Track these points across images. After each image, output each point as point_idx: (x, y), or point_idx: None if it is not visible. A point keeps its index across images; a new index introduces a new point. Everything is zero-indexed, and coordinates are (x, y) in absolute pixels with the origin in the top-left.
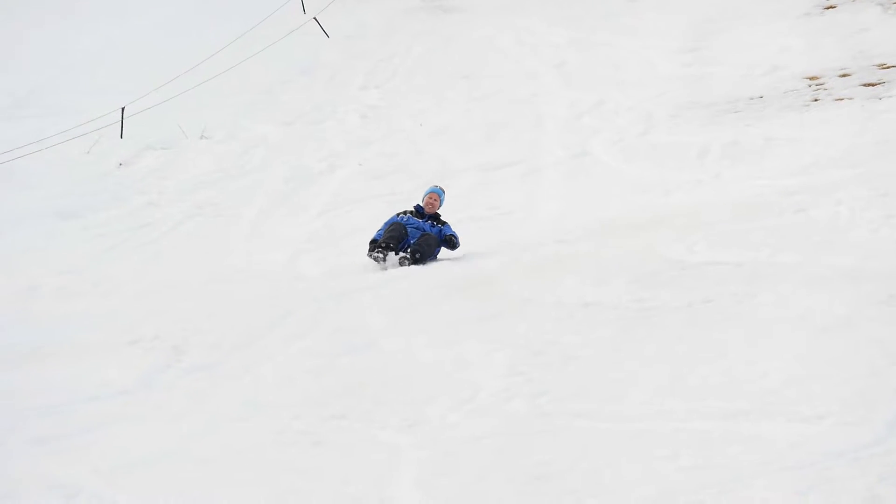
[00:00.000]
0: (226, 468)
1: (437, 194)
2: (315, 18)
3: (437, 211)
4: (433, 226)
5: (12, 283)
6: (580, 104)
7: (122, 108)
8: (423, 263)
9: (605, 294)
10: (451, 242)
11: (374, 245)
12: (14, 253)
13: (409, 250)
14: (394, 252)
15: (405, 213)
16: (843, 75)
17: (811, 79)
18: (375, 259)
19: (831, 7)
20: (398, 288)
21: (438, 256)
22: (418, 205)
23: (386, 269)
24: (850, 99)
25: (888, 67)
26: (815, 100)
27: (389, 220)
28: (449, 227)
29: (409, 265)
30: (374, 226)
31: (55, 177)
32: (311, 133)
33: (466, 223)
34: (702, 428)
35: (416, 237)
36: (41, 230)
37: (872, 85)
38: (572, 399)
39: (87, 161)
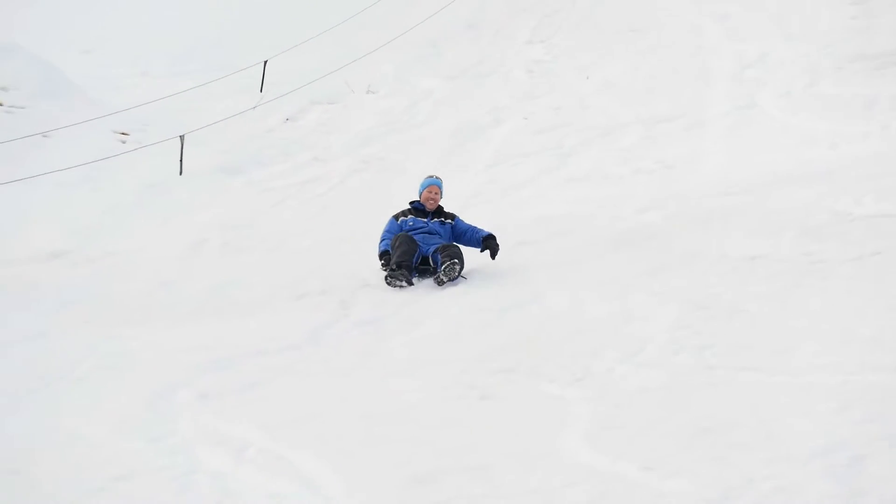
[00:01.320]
0: (393, 423)
1: (437, 186)
2: None
3: (440, 204)
4: (442, 223)
5: (179, 240)
6: (745, 56)
7: (265, 62)
8: (460, 272)
9: (772, 247)
10: (493, 246)
11: (389, 268)
12: (180, 209)
13: (448, 264)
14: (408, 272)
15: (404, 214)
16: None
17: None
18: (396, 286)
19: None
20: (562, 243)
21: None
22: (416, 202)
23: (412, 286)
24: None
25: None
26: None
27: (389, 227)
28: (461, 220)
29: (453, 276)
30: (538, 180)
31: (221, 132)
32: (477, 87)
33: (632, 177)
34: (872, 381)
35: (432, 246)
36: (207, 186)
37: None
38: (739, 352)
39: (254, 116)
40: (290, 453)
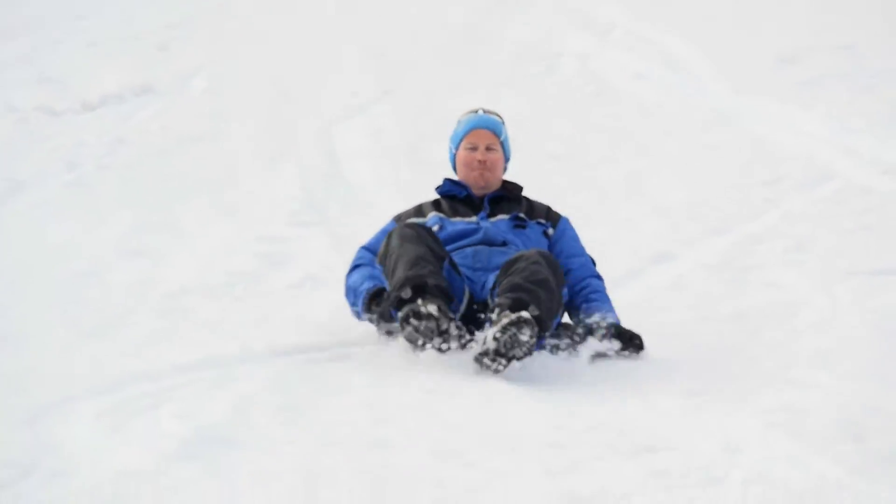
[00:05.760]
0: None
1: (488, 132)
2: None
3: (504, 177)
4: (520, 224)
5: None
6: None
7: None
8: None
9: None
10: (630, 341)
11: (393, 298)
12: None
13: (507, 322)
14: (444, 304)
15: (420, 211)
16: None
17: None
18: (421, 342)
19: None
20: None
21: None
22: (448, 181)
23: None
24: None
25: None
26: None
27: (373, 243)
28: (570, 232)
29: (518, 353)
30: None
31: None
32: None
33: None
34: None
35: (484, 272)
36: None
37: None
38: None
39: None
40: (656, 35)
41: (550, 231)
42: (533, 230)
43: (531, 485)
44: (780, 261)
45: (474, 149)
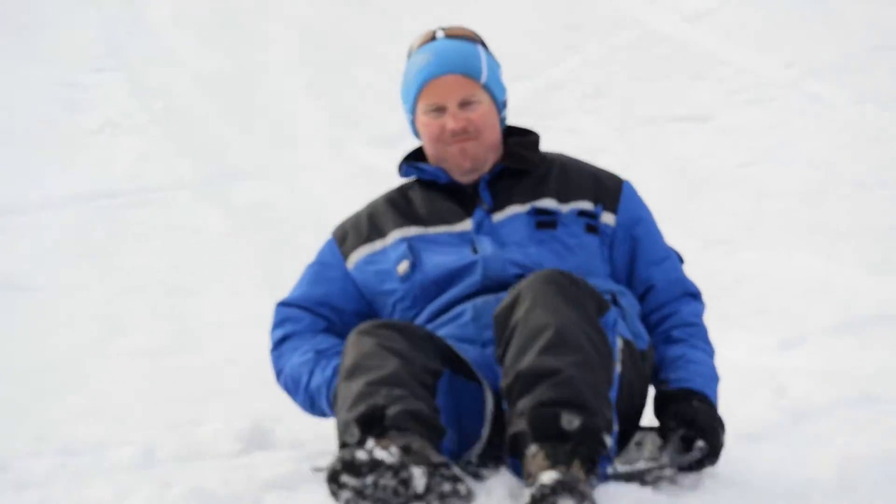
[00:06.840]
0: None
1: (457, 77)
2: None
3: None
4: (547, 222)
5: None
6: None
7: None
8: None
9: None
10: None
11: (340, 453)
12: None
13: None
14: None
15: (381, 224)
16: None
17: None
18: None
19: None
20: None
21: None
22: (410, 167)
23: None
24: None
25: None
26: None
27: (323, 263)
28: (644, 210)
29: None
30: None
31: None
32: None
33: None
34: None
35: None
36: None
37: None
38: None
39: None
40: None
41: (606, 218)
42: (569, 229)
43: None
44: (578, 107)
45: (440, 110)
